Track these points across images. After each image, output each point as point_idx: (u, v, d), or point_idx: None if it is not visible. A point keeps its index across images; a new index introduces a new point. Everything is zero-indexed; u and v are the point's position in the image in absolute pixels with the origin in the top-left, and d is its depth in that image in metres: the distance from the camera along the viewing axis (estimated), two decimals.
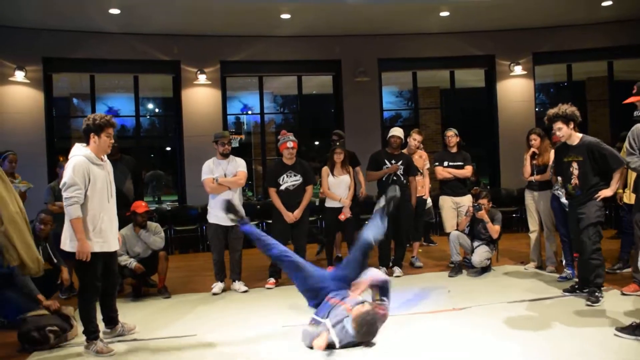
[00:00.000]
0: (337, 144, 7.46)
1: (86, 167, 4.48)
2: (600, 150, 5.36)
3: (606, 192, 5.37)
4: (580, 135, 5.53)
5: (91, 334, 4.57)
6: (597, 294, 5.30)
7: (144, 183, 12.79)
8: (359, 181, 7.81)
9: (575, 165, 5.49)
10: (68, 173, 4.44)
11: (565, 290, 5.76)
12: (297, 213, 6.74)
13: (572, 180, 5.52)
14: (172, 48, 10.49)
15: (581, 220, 5.42)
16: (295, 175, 6.84)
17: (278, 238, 6.76)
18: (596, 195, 5.38)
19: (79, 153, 4.55)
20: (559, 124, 5.46)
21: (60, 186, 4.52)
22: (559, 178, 6.26)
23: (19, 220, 4.16)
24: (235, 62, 10.86)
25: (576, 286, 5.72)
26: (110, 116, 4.71)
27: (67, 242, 4.50)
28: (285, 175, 6.83)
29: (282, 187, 6.81)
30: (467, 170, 7.40)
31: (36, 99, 9.84)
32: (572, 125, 5.45)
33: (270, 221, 7.76)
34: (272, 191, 6.83)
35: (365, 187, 7.87)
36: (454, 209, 7.35)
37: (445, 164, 7.42)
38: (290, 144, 6.78)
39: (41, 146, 9.68)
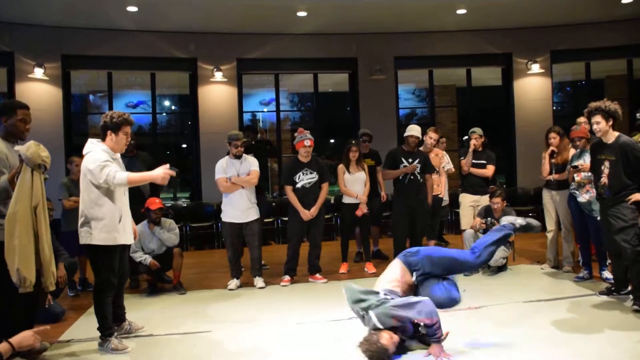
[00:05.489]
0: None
1: (108, 158, 4.49)
2: (635, 153, 5.08)
3: (638, 196, 5.08)
4: (617, 134, 5.26)
5: (106, 331, 4.55)
6: None
7: None
8: (379, 182, 7.83)
9: (607, 164, 5.27)
10: (94, 159, 4.38)
11: (600, 293, 5.62)
12: (314, 210, 6.76)
13: (602, 180, 5.30)
14: (189, 45, 10.54)
15: (614, 224, 5.17)
16: (311, 173, 6.86)
17: (294, 235, 6.85)
18: (627, 199, 5.11)
19: (97, 148, 4.54)
20: (597, 118, 5.20)
21: (91, 179, 4.41)
22: (576, 177, 6.20)
23: (25, 223, 3.92)
24: (251, 59, 10.88)
25: (612, 288, 5.58)
26: (127, 114, 4.70)
27: (94, 235, 4.45)
28: (301, 173, 6.84)
29: (298, 185, 6.83)
30: (488, 170, 7.31)
31: (55, 96, 9.94)
32: (611, 122, 5.19)
33: (286, 218, 7.78)
34: (289, 189, 6.85)
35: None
36: (472, 207, 7.31)
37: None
38: (307, 142, 6.80)
39: (59, 142, 9.75)
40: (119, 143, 4.63)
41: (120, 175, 4.38)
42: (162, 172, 4.42)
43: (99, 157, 4.42)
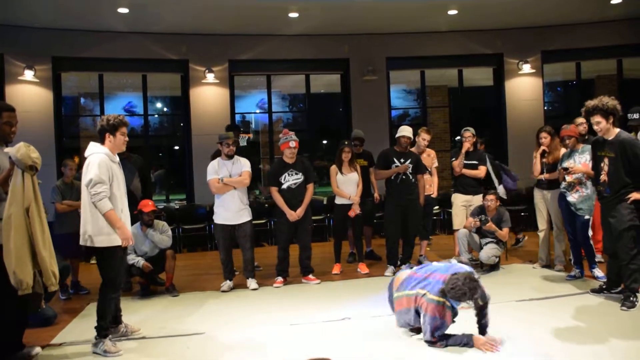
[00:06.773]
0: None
1: (109, 164, 4.62)
2: (634, 149, 5.01)
3: (637, 195, 5.03)
4: (618, 130, 5.16)
5: (102, 331, 4.59)
6: (632, 298, 5.07)
7: (152, 182, 12.82)
8: (372, 182, 7.84)
9: (606, 161, 5.20)
10: (94, 170, 4.52)
11: (592, 291, 5.65)
12: (300, 211, 6.75)
13: (601, 177, 5.25)
14: (181, 47, 10.52)
15: (614, 226, 5.14)
16: (296, 174, 6.85)
17: (282, 237, 6.84)
18: (626, 197, 5.07)
19: (100, 151, 4.65)
20: (597, 118, 5.09)
21: (85, 184, 4.54)
22: (566, 177, 6.22)
23: (19, 226, 3.97)
24: (243, 60, 10.87)
25: (604, 286, 5.61)
26: (122, 115, 4.83)
27: (99, 238, 4.53)
28: (286, 174, 6.84)
29: (284, 186, 6.82)
30: (480, 171, 7.35)
31: (45, 98, 9.88)
32: (611, 120, 5.08)
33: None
34: (274, 190, 6.84)
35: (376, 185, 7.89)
36: (465, 207, 7.34)
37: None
38: (292, 144, 6.80)
39: (50, 145, 9.70)
40: (118, 144, 4.78)
41: (103, 203, 4.51)
42: (128, 235, 4.66)
43: (97, 172, 4.51)
